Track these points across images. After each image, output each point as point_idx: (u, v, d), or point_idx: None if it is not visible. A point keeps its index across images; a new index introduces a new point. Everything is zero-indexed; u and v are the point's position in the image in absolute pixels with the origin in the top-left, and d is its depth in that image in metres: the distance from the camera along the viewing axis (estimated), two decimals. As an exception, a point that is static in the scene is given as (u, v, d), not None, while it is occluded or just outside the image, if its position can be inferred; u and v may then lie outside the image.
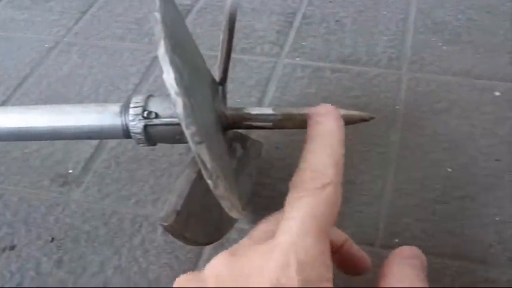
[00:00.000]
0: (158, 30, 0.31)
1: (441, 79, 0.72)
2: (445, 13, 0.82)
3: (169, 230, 0.39)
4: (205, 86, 0.41)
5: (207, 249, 0.55)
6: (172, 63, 0.30)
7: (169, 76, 0.30)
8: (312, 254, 0.32)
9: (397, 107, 0.68)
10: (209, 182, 0.32)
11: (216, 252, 0.55)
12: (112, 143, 0.67)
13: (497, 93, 0.69)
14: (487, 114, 0.67)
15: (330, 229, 0.35)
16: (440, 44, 0.77)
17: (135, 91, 0.75)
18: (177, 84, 0.30)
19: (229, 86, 0.68)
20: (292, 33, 0.81)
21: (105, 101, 0.73)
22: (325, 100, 0.70)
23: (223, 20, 0.42)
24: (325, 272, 0.32)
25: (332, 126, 0.38)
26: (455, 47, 0.76)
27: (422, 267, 0.41)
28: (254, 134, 0.62)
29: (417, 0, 0.85)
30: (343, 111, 0.46)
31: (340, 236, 0.45)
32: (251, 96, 0.71)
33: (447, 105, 0.68)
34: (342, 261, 0.45)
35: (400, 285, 0.37)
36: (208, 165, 0.31)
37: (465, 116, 0.66)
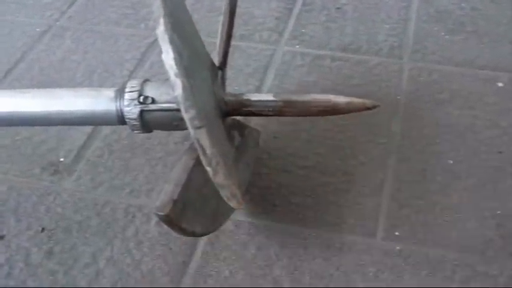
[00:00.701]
0: (157, 6, 0.29)
1: (444, 69, 0.70)
2: (448, 2, 0.81)
3: (165, 219, 0.38)
4: (204, 69, 0.40)
5: (202, 241, 0.54)
6: (172, 42, 0.28)
7: (168, 56, 0.28)
8: None
9: (399, 97, 0.67)
10: (208, 169, 0.30)
11: (211, 244, 0.55)
12: (106, 130, 0.65)
13: (500, 84, 0.68)
14: (490, 105, 0.65)
15: None
16: (443, 33, 0.76)
17: (131, 78, 0.73)
18: (177, 65, 0.28)
19: (227, 73, 0.66)
20: (292, 20, 0.79)
21: (100, 87, 0.71)
22: (325, 89, 0.68)
23: (223, 2, 0.40)
24: None
25: None
26: (459, 37, 0.75)
27: None
28: (252, 123, 0.61)
29: (419, -12, 0.84)
30: (346, 99, 0.44)
31: None
32: (249, 84, 0.70)
33: (449, 96, 0.67)
34: None
35: None
36: (208, 151, 0.29)
37: (468, 107, 0.65)
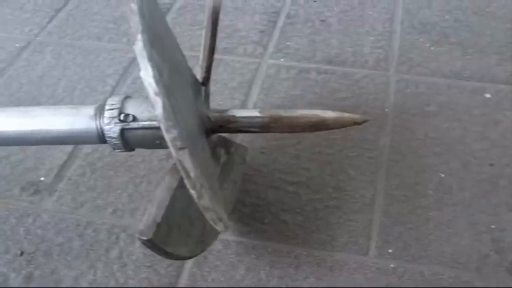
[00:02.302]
0: (135, 22, 0.28)
1: (430, 81, 0.70)
2: (432, 13, 0.80)
3: (148, 244, 0.36)
4: (187, 86, 0.38)
5: (189, 262, 0.52)
6: (151, 59, 0.27)
7: (147, 73, 0.26)
8: None
9: (386, 110, 0.66)
10: (192, 192, 0.29)
11: (198, 266, 0.53)
12: (87, 148, 0.63)
13: (487, 95, 0.67)
14: (478, 117, 0.65)
15: None
16: (428, 44, 0.75)
17: (113, 93, 0.71)
18: (156, 83, 0.26)
19: (211, 87, 0.64)
20: (276, 33, 0.78)
21: (81, 104, 0.69)
22: (311, 103, 0.67)
23: (205, 15, 0.39)
24: None
25: None
26: (444, 48, 0.74)
27: None
28: (238, 138, 0.60)
29: (403, 0, 0.83)
30: (334, 114, 0.43)
31: None
32: (234, 98, 0.68)
33: (437, 108, 0.66)
34: None
35: None
36: (192, 174, 0.28)
37: (456, 119, 0.64)
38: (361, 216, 0.55)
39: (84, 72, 0.74)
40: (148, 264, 0.52)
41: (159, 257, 0.50)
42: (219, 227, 0.30)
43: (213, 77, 0.69)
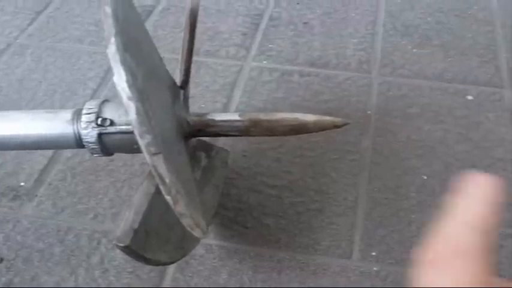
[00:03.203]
0: (108, 25, 0.27)
1: (413, 83, 0.70)
2: (414, 16, 0.81)
3: (126, 251, 0.35)
4: (163, 89, 0.38)
5: (171, 268, 0.51)
6: (124, 63, 0.26)
7: (120, 78, 0.26)
8: None
9: (369, 112, 0.66)
10: (168, 198, 0.28)
11: (181, 271, 0.53)
12: (68, 152, 0.63)
13: (469, 97, 0.68)
14: (460, 119, 0.65)
15: None
16: (410, 47, 0.75)
17: (94, 97, 0.70)
18: (130, 88, 0.26)
19: (193, 90, 0.64)
20: (259, 36, 0.78)
21: (62, 107, 0.68)
22: (294, 105, 0.67)
23: (184, 17, 0.38)
24: None
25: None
26: (426, 50, 0.75)
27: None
28: (220, 142, 0.59)
29: (386, 2, 0.83)
30: (314, 117, 0.43)
31: None
32: (216, 101, 0.68)
33: (419, 110, 0.66)
34: None
35: None
36: (167, 180, 0.27)
37: (438, 121, 0.65)
38: (343, 220, 0.55)
39: (65, 75, 0.73)
40: (130, 269, 0.51)
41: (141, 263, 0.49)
42: (196, 233, 0.30)
43: (195, 79, 0.69)
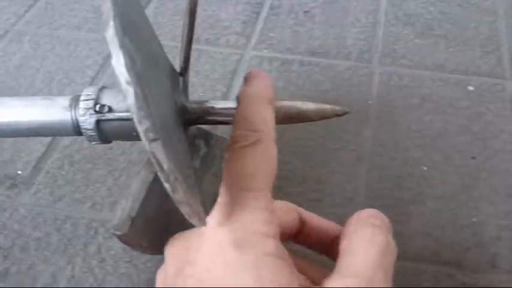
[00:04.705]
0: (107, 8, 0.27)
1: (414, 73, 0.69)
2: (416, 5, 0.80)
3: (123, 239, 0.35)
4: (163, 75, 0.37)
5: (168, 255, 0.51)
6: (123, 46, 0.26)
7: (118, 62, 0.25)
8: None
9: (369, 102, 0.65)
10: (166, 185, 0.28)
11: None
12: (65, 140, 0.62)
13: (470, 88, 0.67)
14: (461, 110, 0.64)
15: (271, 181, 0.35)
16: (412, 36, 0.75)
17: (92, 85, 0.69)
18: (128, 71, 0.25)
19: (193, 79, 0.63)
20: (259, 24, 0.77)
21: (59, 95, 0.67)
22: (294, 94, 0.67)
23: (185, 4, 0.38)
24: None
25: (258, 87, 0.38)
26: (428, 40, 0.74)
27: (383, 226, 0.38)
28: (219, 130, 0.59)
29: (388, -9, 0.83)
30: (314, 105, 0.42)
31: (293, 214, 0.41)
32: (216, 90, 0.67)
33: (420, 101, 0.66)
34: (310, 241, 0.41)
35: (360, 241, 0.35)
36: (165, 166, 0.27)
37: (439, 112, 0.64)
38: (342, 210, 0.54)
39: (63, 62, 0.72)
40: (128, 259, 0.51)
41: (139, 252, 0.49)
42: (194, 221, 0.29)
43: (194, 68, 0.68)
